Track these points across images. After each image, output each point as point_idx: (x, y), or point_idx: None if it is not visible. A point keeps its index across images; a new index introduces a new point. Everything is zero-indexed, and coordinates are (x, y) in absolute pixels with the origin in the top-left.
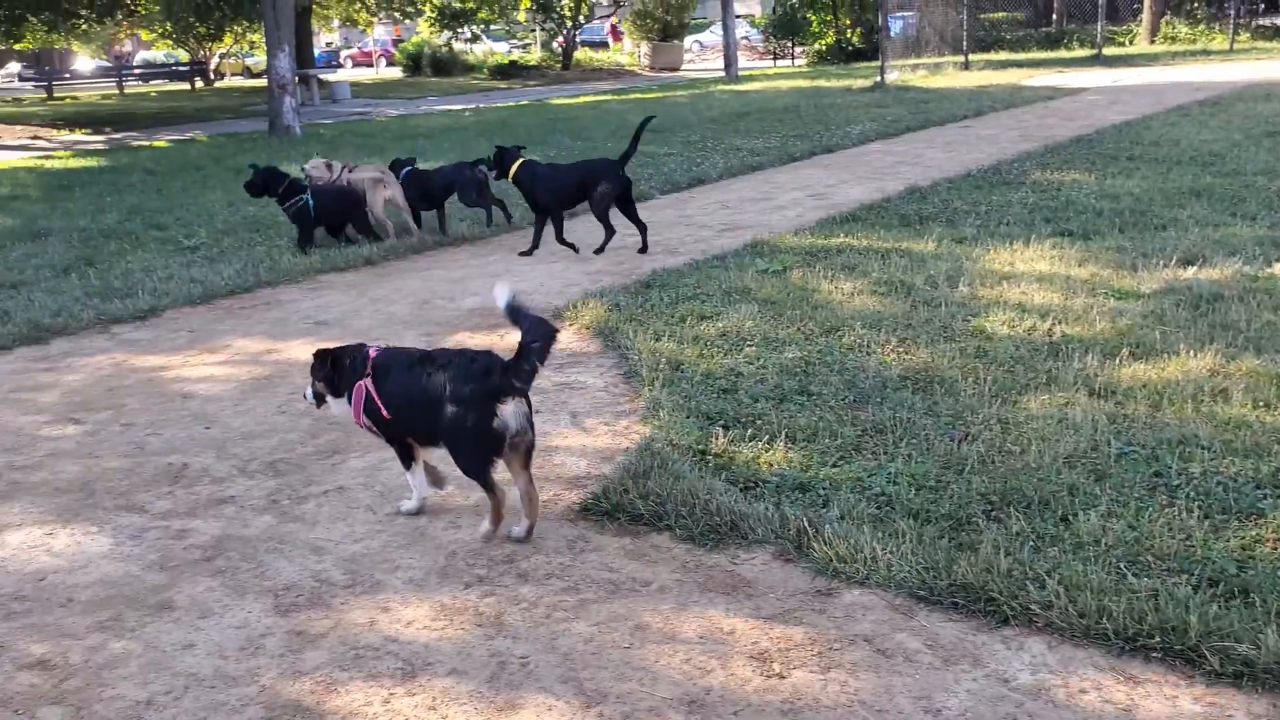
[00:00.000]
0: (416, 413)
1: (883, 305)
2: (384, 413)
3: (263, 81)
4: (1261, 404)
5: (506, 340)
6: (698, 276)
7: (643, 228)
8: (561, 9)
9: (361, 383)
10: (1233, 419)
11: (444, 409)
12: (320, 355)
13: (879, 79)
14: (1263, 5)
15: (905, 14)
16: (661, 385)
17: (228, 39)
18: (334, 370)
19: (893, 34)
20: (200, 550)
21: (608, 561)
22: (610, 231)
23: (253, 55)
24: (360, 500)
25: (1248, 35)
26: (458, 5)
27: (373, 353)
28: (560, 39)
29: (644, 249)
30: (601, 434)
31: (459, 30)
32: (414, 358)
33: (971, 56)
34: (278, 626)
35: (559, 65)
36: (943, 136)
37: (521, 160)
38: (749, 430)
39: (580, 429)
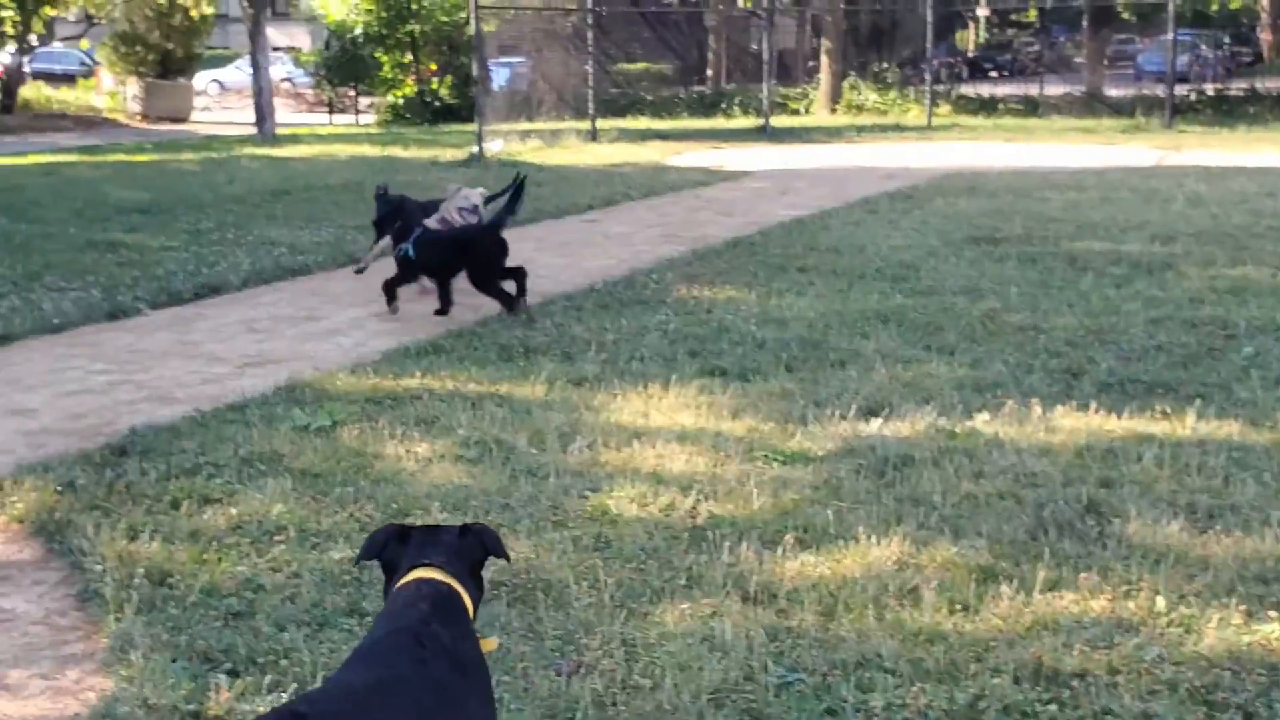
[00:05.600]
0: None
1: (471, 476)
2: None
3: None
4: (959, 607)
5: None
6: (204, 436)
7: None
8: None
9: None
10: (923, 629)
11: None
12: None
13: (476, 149)
14: (967, 71)
15: (513, 59)
16: (136, 611)
17: None
18: None
19: (495, 87)
20: None
21: None
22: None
23: None
24: None
25: (949, 107)
26: None
27: None
28: None
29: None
30: (35, 695)
31: None
32: None
33: (600, 123)
34: None
35: None
36: (560, 234)
37: None
38: (268, 676)
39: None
